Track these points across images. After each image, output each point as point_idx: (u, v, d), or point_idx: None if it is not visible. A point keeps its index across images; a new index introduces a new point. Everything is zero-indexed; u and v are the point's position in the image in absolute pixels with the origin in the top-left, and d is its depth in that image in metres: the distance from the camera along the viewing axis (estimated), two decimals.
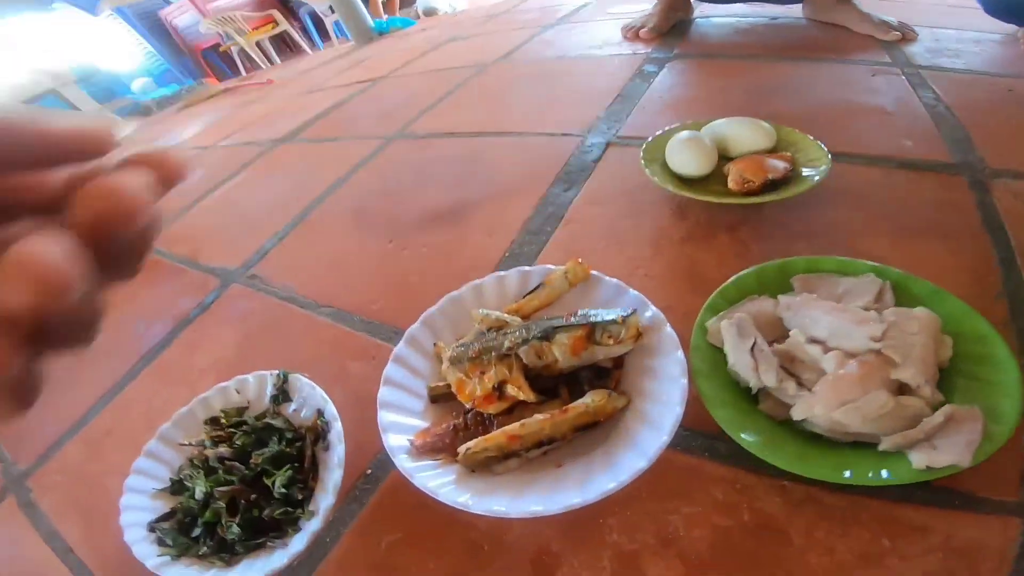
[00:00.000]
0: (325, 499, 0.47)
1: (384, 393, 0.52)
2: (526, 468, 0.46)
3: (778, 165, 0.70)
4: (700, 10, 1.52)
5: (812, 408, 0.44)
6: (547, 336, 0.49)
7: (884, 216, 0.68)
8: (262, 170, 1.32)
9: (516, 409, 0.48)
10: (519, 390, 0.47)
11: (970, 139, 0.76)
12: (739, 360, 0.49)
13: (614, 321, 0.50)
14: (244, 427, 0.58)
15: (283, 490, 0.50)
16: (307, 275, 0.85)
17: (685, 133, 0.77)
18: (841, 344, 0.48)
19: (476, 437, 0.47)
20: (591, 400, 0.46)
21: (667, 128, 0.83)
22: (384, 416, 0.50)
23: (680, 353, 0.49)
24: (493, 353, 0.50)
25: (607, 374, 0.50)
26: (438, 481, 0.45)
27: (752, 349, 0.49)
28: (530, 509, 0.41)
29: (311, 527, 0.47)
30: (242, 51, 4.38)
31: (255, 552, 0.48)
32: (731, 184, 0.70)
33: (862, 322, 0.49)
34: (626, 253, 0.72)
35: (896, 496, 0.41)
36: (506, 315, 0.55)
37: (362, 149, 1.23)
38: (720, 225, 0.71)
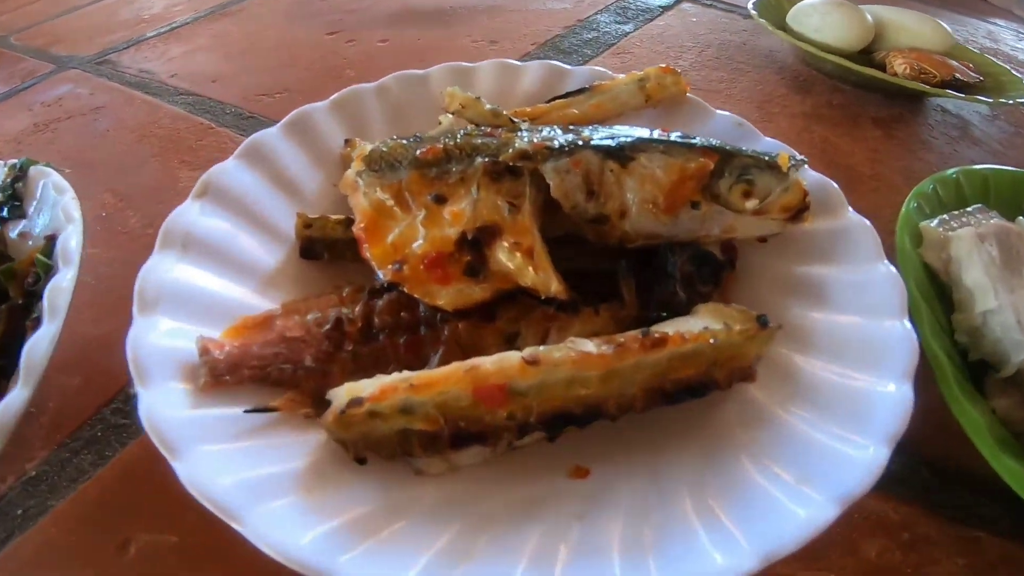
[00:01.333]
0: None
1: (190, 213, 0.21)
2: (494, 466, 0.17)
3: (965, 69, 0.49)
4: None
5: None
6: (621, 152, 0.20)
7: None
8: None
9: (504, 312, 0.18)
10: (526, 260, 0.18)
11: None
12: (1004, 310, 0.22)
13: (768, 162, 0.22)
14: None
15: None
16: (185, 62, 0.53)
17: None
18: None
19: (387, 361, 0.18)
20: (720, 326, 0.17)
21: None
22: (163, 266, 0.20)
23: (889, 267, 0.22)
24: (479, 161, 0.20)
25: (716, 273, 0.22)
26: (250, 472, 0.16)
27: None
28: None
29: None
30: None
31: None
32: (899, 70, 0.47)
33: None
34: (716, 104, 0.43)
35: None
36: (514, 118, 0.25)
37: None
38: (865, 116, 0.48)
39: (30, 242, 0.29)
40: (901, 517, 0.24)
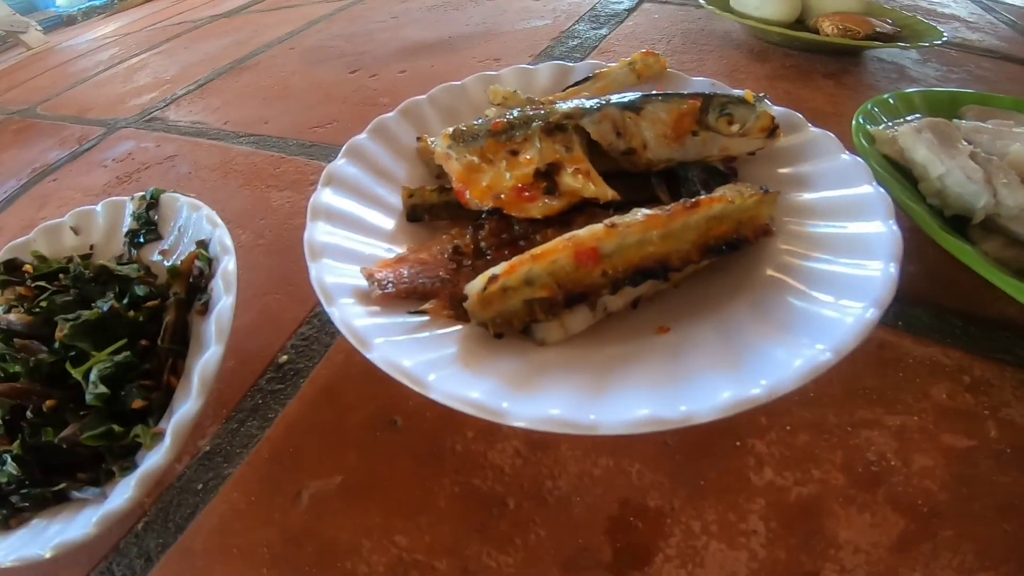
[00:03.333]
0: (185, 405, 0.23)
1: (324, 196, 0.28)
2: (595, 336, 0.23)
3: (883, 24, 0.56)
4: None
5: None
6: (633, 105, 0.27)
7: (1011, 93, 0.53)
8: (192, 40, 1.00)
9: (577, 220, 0.25)
10: (585, 180, 0.25)
11: None
12: (954, 170, 0.29)
13: (739, 99, 0.29)
14: (62, 279, 0.32)
15: (102, 389, 0.25)
16: (229, 110, 0.60)
17: None
18: None
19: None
20: (732, 195, 0.24)
21: None
22: (318, 232, 0.26)
23: (851, 155, 0.29)
24: (536, 124, 0.27)
25: (724, 179, 0.29)
26: (422, 357, 0.21)
27: (974, 156, 0.29)
28: (643, 415, 0.18)
29: (149, 463, 0.22)
30: None
31: (52, 508, 0.24)
32: (828, 31, 0.55)
33: None
34: None
35: None
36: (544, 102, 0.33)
37: (324, 8, 0.95)
38: (815, 72, 0.56)
39: (168, 261, 0.34)
40: (953, 362, 0.27)
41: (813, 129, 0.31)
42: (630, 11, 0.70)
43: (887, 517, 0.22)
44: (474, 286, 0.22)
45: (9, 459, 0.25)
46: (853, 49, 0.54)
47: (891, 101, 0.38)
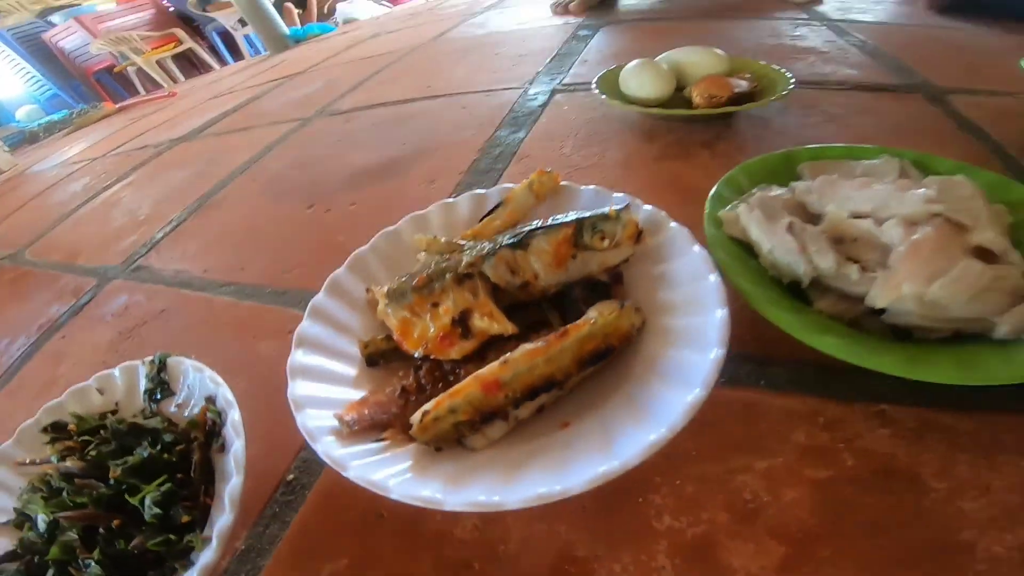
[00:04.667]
0: (223, 517, 0.31)
1: (297, 358, 0.36)
2: (515, 436, 0.31)
3: (741, 82, 0.67)
4: None
5: (898, 287, 0.32)
6: (521, 244, 0.36)
7: (858, 126, 0.63)
8: (157, 168, 1.12)
9: (489, 351, 0.33)
10: (490, 320, 0.32)
11: (910, 68, 0.75)
12: (777, 245, 0.38)
13: (604, 216, 0.37)
14: (102, 433, 0.41)
15: (156, 510, 0.34)
16: (207, 256, 0.68)
17: (638, 60, 0.71)
18: (893, 214, 0.37)
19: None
20: (596, 315, 0.32)
21: (618, 65, 0.75)
22: (297, 388, 0.34)
23: (699, 248, 0.36)
24: (448, 276, 0.35)
25: (605, 291, 0.37)
26: (386, 471, 0.29)
27: (790, 229, 0.38)
28: (535, 493, 0.25)
29: (204, 559, 0.30)
30: (140, 71, 4.02)
31: None
32: (697, 101, 0.65)
33: (906, 189, 0.40)
34: (595, 178, 0.60)
35: None
36: (460, 240, 0.41)
37: (276, 132, 1.07)
38: (694, 143, 0.65)
39: (186, 412, 0.42)
40: (808, 407, 0.32)
41: (672, 225, 0.39)
42: (543, 105, 0.82)
43: (767, 545, 0.27)
44: (415, 418, 0.30)
45: (93, 563, 0.32)
46: (720, 115, 0.64)
47: (737, 177, 0.47)
